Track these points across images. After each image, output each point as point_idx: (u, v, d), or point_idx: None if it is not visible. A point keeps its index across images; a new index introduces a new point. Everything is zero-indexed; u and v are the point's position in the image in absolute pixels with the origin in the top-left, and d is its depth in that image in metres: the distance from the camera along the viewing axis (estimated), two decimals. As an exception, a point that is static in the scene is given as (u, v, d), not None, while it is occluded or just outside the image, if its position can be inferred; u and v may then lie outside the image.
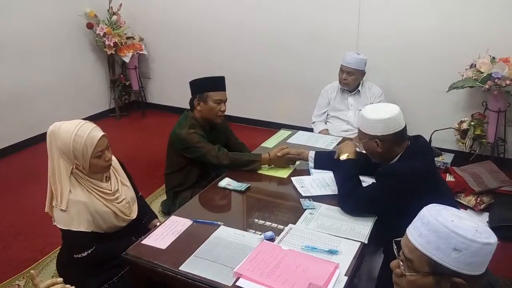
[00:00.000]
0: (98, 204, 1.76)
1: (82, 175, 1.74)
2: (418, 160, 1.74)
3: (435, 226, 0.96)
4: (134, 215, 1.91)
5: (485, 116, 3.36)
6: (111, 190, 1.82)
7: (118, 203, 1.83)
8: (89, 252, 1.74)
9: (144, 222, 2.03)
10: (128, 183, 1.97)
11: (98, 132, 1.71)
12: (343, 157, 1.98)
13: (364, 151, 1.90)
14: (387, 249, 1.82)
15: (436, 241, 0.95)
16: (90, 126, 1.71)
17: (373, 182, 1.87)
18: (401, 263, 1.03)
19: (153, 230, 1.73)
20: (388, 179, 1.74)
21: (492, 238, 0.95)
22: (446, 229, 0.94)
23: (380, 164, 1.90)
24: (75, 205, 1.70)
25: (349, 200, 1.82)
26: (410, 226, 1.04)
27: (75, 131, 1.67)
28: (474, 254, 0.93)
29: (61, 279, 1.26)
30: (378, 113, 1.75)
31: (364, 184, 2.02)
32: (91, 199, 1.75)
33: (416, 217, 1.03)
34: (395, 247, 1.08)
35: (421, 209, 1.04)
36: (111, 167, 1.85)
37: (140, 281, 1.65)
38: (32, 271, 1.28)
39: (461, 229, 0.94)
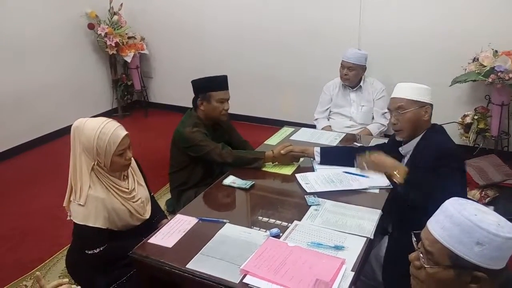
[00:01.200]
0: (115, 202, 1.77)
1: (102, 172, 1.76)
2: (445, 135, 1.88)
3: (459, 220, 0.96)
4: (147, 215, 1.92)
5: (488, 110, 3.35)
6: (128, 188, 1.84)
7: (134, 202, 1.85)
8: (101, 249, 1.75)
9: (154, 222, 2.04)
10: (143, 183, 1.99)
11: (122, 131, 1.74)
12: (399, 178, 1.70)
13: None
14: (398, 235, 1.82)
15: (459, 234, 0.95)
16: (115, 124, 1.74)
17: (439, 175, 1.69)
18: (421, 255, 1.03)
19: (159, 229, 1.74)
20: (450, 159, 1.74)
21: None
22: (470, 223, 0.94)
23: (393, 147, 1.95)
24: (93, 201, 1.71)
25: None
26: (431, 218, 1.03)
27: (100, 128, 1.69)
28: (496, 249, 0.93)
29: (66, 280, 1.26)
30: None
31: (370, 180, 2.02)
32: (109, 196, 1.76)
33: (438, 210, 1.03)
34: (414, 239, 1.08)
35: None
36: (130, 166, 1.87)
37: (147, 280, 1.65)
38: (37, 273, 1.28)
39: (485, 223, 0.93)
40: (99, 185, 1.75)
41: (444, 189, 1.68)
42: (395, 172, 1.72)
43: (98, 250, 1.75)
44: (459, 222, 0.95)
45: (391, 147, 2.02)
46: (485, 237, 0.92)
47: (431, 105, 1.89)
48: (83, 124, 1.72)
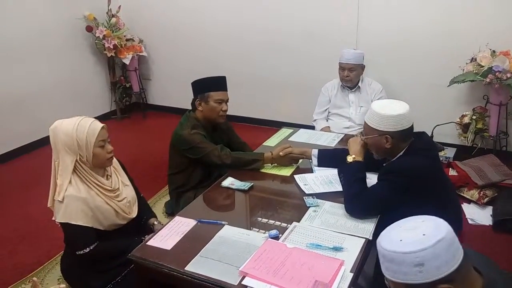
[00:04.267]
0: (98, 200, 1.78)
1: (85, 168, 1.76)
2: (420, 156, 1.75)
3: (389, 256, 0.98)
4: (134, 214, 1.94)
5: (486, 110, 3.36)
6: (111, 187, 1.85)
7: (119, 201, 1.86)
8: (92, 248, 1.75)
9: (142, 222, 2.04)
10: (129, 183, 1.99)
11: (99, 124, 1.79)
12: (350, 158, 1.91)
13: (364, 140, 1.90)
14: None
15: (397, 268, 0.97)
16: (91, 118, 1.79)
17: (377, 182, 1.85)
18: None
19: (158, 231, 1.74)
20: (393, 176, 1.74)
21: (441, 233, 0.94)
22: (397, 255, 0.96)
23: (383, 161, 1.90)
24: (74, 200, 1.72)
25: (355, 203, 1.77)
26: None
27: (78, 122, 1.74)
28: (435, 258, 0.93)
29: (63, 286, 1.27)
30: (391, 109, 1.75)
31: (368, 181, 2.03)
32: (92, 195, 1.77)
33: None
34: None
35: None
36: (112, 166, 1.88)
37: (145, 282, 1.65)
38: (34, 278, 1.28)
39: (409, 245, 0.95)
40: (81, 184, 1.76)
41: (371, 189, 1.80)
42: (351, 154, 1.94)
43: (88, 249, 1.75)
44: (391, 258, 0.97)
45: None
46: (417, 257, 0.93)
47: (399, 132, 1.74)
48: (60, 123, 1.76)
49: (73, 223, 1.72)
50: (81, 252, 1.75)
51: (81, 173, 1.76)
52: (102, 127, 1.78)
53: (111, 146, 1.82)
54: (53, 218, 1.80)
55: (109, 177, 1.89)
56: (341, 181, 1.96)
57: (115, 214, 1.83)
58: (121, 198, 1.87)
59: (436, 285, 0.94)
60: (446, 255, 0.94)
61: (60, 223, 1.75)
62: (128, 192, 1.94)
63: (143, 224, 2.03)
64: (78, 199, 1.73)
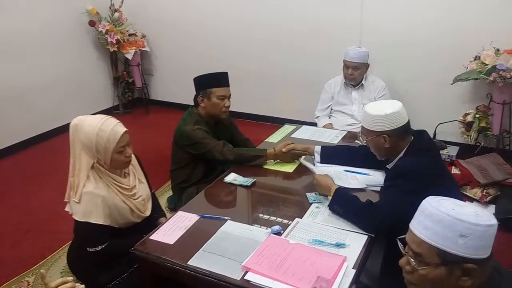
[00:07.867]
0: (116, 199, 1.78)
1: (103, 170, 1.75)
2: (424, 156, 1.72)
3: (439, 217, 0.98)
4: (148, 212, 1.93)
5: (490, 108, 3.35)
6: (129, 186, 1.84)
7: (135, 199, 1.85)
8: (103, 246, 1.75)
9: (153, 219, 2.04)
10: (144, 180, 1.99)
11: (121, 128, 1.74)
12: (331, 192, 1.80)
13: (365, 144, 1.89)
14: (389, 243, 1.81)
15: (442, 230, 0.97)
16: (114, 121, 1.74)
17: (384, 191, 1.79)
18: (411, 259, 1.04)
19: (161, 226, 1.74)
20: (402, 179, 1.66)
21: (493, 220, 0.97)
22: (449, 218, 0.97)
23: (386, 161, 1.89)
24: (93, 198, 1.71)
25: (371, 222, 1.63)
26: (412, 221, 1.06)
27: (99, 125, 1.69)
28: (480, 238, 0.95)
29: (71, 278, 1.27)
30: (382, 108, 1.75)
31: (370, 178, 2.03)
32: (110, 193, 1.77)
33: (417, 211, 1.05)
34: (400, 244, 1.09)
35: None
36: (130, 163, 1.87)
37: (149, 276, 1.66)
38: (41, 271, 1.29)
39: (464, 215, 0.96)
40: (101, 182, 1.75)
41: (382, 199, 1.76)
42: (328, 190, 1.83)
43: (100, 247, 1.75)
44: (440, 219, 0.98)
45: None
46: (467, 229, 0.95)
47: (395, 130, 1.72)
48: (82, 122, 1.72)
49: (92, 222, 1.72)
50: (92, 249, 1.75)
51: (100, 173, 1.76)
52: (124, 133, 1.73)
53: (130, 150, 1.79)
54: (69, 212, 1.80)
55: (126, 174, 1.88)
56: (340, 214, 1.75)
57: (130, 212, 1.83)
58: (137, 196, 1.87)
59: (464, 262, 0.96)
60: (488, 241, 0.97)
61: (77, 221, 1.75)
62: (143, 190, 1.93)
63: (153, 222, 2.03)
64: (97, 196, 1.72)
